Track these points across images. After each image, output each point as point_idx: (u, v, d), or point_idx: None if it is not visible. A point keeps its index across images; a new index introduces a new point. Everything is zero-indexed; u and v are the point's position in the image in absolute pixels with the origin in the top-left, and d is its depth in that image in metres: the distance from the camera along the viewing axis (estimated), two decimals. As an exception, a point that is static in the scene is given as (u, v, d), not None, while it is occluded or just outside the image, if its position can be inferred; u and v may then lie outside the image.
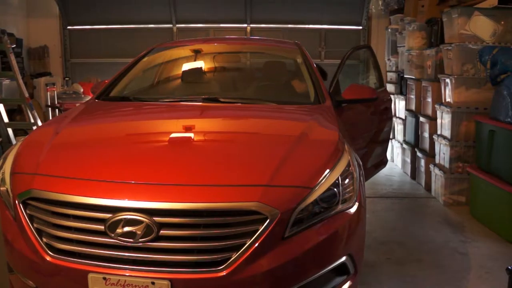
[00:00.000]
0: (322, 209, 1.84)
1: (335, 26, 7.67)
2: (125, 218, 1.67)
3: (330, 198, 1.86)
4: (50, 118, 6.34)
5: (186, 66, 3.63)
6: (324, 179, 1.87)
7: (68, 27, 7.76)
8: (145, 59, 3.49)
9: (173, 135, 2.35)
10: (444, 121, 4.39)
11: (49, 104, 6.88)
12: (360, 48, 5.83)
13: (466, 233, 3.67)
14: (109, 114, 2.77)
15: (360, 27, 7.64)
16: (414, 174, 5.25)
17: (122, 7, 7.54)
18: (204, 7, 7.57)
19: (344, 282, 1.93)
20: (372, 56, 4.21)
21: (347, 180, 1.96)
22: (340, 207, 1.89)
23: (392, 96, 6.14)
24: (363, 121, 3.69)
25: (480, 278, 2.91)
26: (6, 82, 5.95)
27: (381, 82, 4.22)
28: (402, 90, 5.84)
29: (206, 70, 3.58)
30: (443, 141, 4.35)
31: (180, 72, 3.54)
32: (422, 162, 4.94)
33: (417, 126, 5.16)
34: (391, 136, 6.10)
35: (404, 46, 5.69)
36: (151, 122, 2.63)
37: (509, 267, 2.31)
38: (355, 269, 1.96)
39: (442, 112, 4.43)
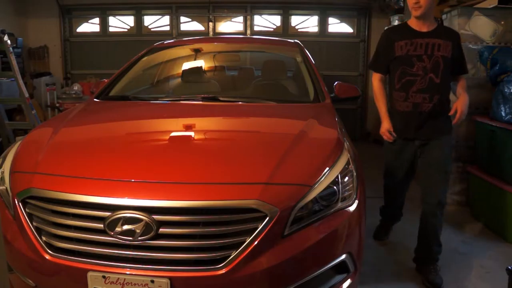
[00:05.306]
0: (322, 207, 1.83)
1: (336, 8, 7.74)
2: (124, 216, 1.66)
3: (330, 196, 1.86)
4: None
5: (186, 65, 3.63)
6: (324, 177, 1.87)
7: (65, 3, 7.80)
8: (145, 58, 3.48)
9: (172, 133, 2.35)
10: (444, 121, 4.38)
11: (49, 104, 6.89)
12: None
13: (466, 233, 3.66)
14: (108, 113, 2.77)
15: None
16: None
17: None
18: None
19: (344, 280, 1.92)
20: None
21: (346, 178, 1.96)
22: (339, 205, 1.89)
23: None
24: None
25: (480, 278, 2.91)
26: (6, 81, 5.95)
27: None
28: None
29: (206, 69, 3.58)
30: (443, 141, 4.34)
31: (180, 71, 3.54)
32: (422, 162, 4.92)
33: (417, 126, 5.14)
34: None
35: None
36: (150, 121, 2.62)
37: (509, 267, 2.30)
38: (355, 267, 1.96)
39: (442, 112, 4.42)
